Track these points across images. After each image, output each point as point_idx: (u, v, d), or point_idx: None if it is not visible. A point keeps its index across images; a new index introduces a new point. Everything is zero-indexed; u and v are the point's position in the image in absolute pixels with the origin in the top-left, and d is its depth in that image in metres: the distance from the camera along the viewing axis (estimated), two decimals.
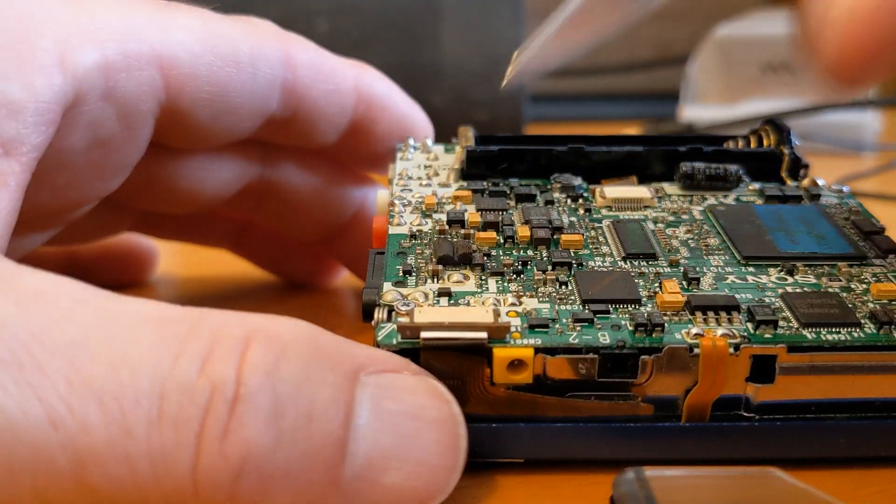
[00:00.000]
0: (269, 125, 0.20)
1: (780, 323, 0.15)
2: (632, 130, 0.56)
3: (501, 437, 0.15)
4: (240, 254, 0.27)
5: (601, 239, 0.19)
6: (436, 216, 0.19)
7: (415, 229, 0.19)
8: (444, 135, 0.23)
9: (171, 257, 0.31)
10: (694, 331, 0.15)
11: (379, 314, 0.15)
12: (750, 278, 0.17)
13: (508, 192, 0.21)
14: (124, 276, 0.27)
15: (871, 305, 0.16)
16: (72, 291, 0.13)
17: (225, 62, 0.18)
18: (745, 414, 0.15)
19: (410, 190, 0.20)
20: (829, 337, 0.15)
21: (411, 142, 0.22)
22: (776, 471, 0.14)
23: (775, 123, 0.23)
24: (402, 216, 0.19)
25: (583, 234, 0.18)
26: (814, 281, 0.17)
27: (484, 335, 0.14)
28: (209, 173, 0.22)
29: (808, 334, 0.15)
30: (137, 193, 0.21)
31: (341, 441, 0.12)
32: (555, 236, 0.18)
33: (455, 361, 0.15)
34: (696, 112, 0.56)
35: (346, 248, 0.25)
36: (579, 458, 0.16)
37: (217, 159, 0.22)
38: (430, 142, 0.23)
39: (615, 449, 0.15)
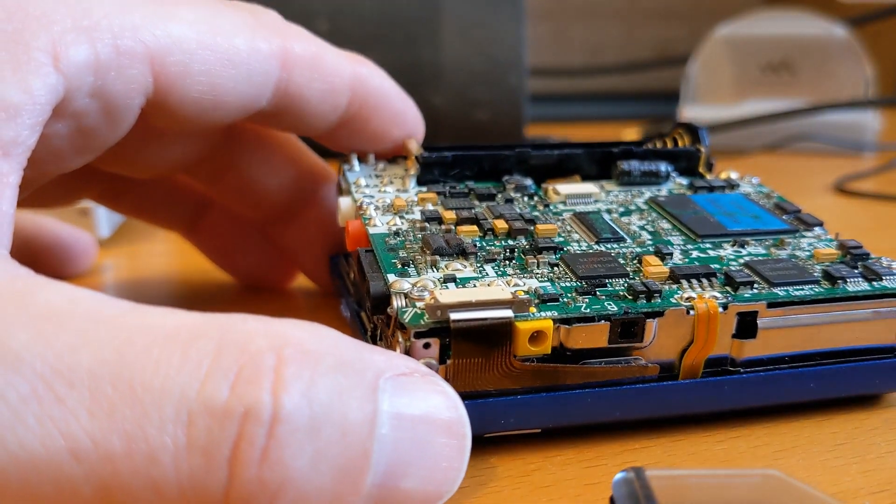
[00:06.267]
0: (255, 116, 0.20)
1: (755, 284, 0.17)
2: (632, 131, 0.56)
3: (523, 408, 0.16)
4: (192, 240, 0.26)
5: (569, 228, 0.20)
6: (409, 216, 0.20)
7: (394, 228, 0.19)
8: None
9: (166, 258, 0.31)
10: (686, 294, 0.17)
11: (398, 301, 0.16)
12: (710, 252, 0.19)
13: (468, 192, 0.21)
14: (63, 269, 0.27)
15: (818, 267, 0.18)
16: (88, 309, 0.12)
17: (221, 60, 0.18)
18: (731, 369, 0.17)
19: (372, 196, 0.21)
20: (797, 293, 0.17)
21: (353, 156, 0.23)
22: (777, 472, 0.13)
23: (688, 126, 0.25)
24: (376, 218, 0.19)
25: (556, 224, 0.20)
26: (763, 251, 0.19)
27: (510, 312, 0.15)
28: (175, 142, 0.21)
29: (780, 292, 0.17)
30: (101, 157, 0.20)
31: (367, 452, 0.12)
32: (530, 227, 0.19)
33: (479, 339, 0.15)
34: (696, 112, 0.56)
35: (295, 235, 0.25)
36: (592, 421, 0.17)
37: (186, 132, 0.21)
38: (371, 157, 0.23)
39: (625, 409, 0.17)
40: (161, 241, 0.33)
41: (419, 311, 0.15)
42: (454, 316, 0.15)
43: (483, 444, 0.17)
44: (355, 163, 0.22)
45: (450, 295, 0.15)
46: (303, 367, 0.12)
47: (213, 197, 0.26)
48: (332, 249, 0.24)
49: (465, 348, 0.15)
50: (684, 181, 0.23)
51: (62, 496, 0.11)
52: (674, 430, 0.17)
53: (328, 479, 0.12)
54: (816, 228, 0.21)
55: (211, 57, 0.18)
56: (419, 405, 0.13)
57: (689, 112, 0.57)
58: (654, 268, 0.17)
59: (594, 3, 0.80)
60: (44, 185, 0.20)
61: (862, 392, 0.18)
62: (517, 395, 0.16)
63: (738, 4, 0.73)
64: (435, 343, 0.15)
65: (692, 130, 0.25)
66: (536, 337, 0.15)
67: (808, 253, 0.19)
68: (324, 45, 0.20)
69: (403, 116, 0.22)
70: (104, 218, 0.31)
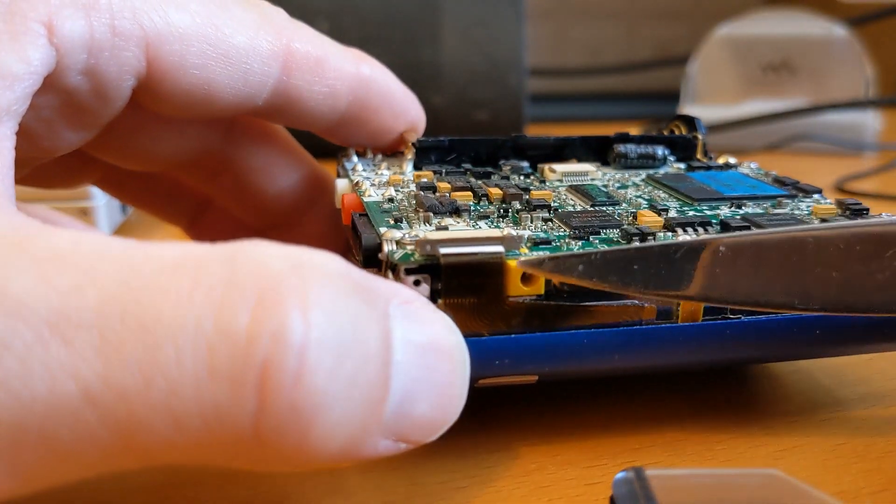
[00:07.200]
0: (250, 111, 0.20)
1: (751, 230, 0.17)
2: (632, 131, 0.56)
3: (517, 349, 0.16)
4: (193, 237, 0.26)
5: (564, 197, 0.20)
6: (404, 190, 0.20)
7: (388, 196, 0.19)
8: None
9: None
10: (681, 238, 0.17)
11: (388, 246, 0.16)
12: (707, 212, 0.19)
13: (465, 172, 0.22)
14: None
15: (817, 220, 0.18)
16: (90, 247, 0.12)
17: (218, 56, 0.18)
18: (731, 317, 0.17)
19: (369, 177, 0.21)
20: None
21: (352, 151, 0.23)
22: (778, 472, 0.13)
23: (685, 117, 0.25)
24: (371, 191, 0.19)
25: (550, 192, 0.19)
26: (761, 212, 0.19)
27: (500, 247, 0.15)
28: (168, 134, 0.21)
29: None
30: (95, 143, 0.20)
31: (387, 378, 0.12)
32: (524, 196, 0.19)
33: (470, 276, 0.15)
34: (697, 112, 0.56)
35: (296, 243, 0.24)
36: (590, 366, 0.16)
37: (178, 124, 0.21)
38: (369, 151, 0.23)
39: (625, 354, 0.16)
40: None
41: (409, 252, 0.15)
42: (444, 251, 0.15)
43: (482, 438, 0.17)
44: (353, 157, 0.23)
45: (439, 233, 0.15)
46: (326, 289, 0.12)
47: (212, 196, 0.25)
48: None
49: (456, 286, 0.15)
50: (681, 165, 0.24)
51: (80, 441, 0.11)
52: (674, 430, 0.17)
53: (356, 407, 0.12)
54: (815, 195, 0.20)
55: (208, 51, 0.17)
56: (425, 332, 0.13)
57: (690, 112, 0.56)
58: (649, 217, 0.17)
59: (594, 3, 0.80)
60: (45, 165, 0.20)
61: (871, 345, 0.17)
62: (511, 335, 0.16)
63: (738, 4, 0.73)
64: (425, 280, 0.15)
65: (689, 121, 0.25)
66: (529, 277, 0.15)
67: (807, 212, 0.19)
68: (328, 46, 0.20)
69: (405, 116, 0.22)
70: (104, 218, 0.31)
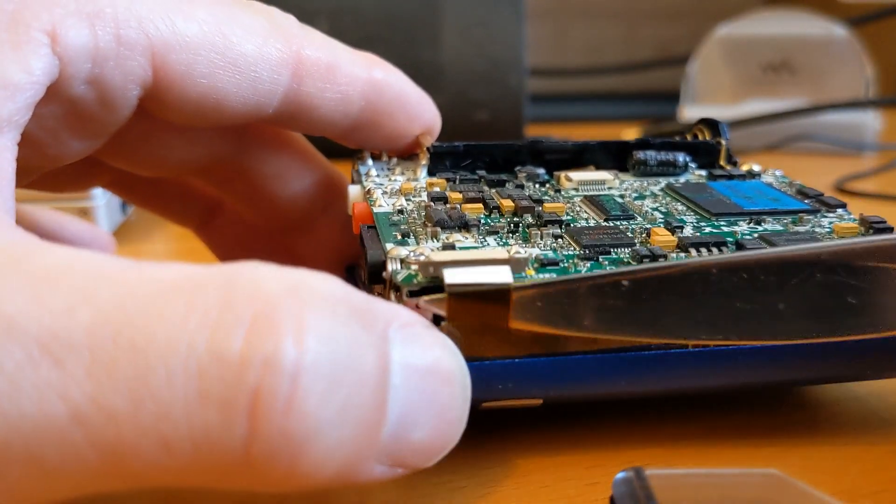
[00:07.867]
0: (262, 120, 0.20)
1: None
2: (632, 130, 0.56)
3: (521, 372, 0.15)
4: (204, 238, 0.26)
5: (578, 209, 0.20)
6: (416, 199, 0.20)
7: (398, 208, 0.19)
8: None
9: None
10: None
11: (393, 265, 0.15)
12: (724, 228, 0.18)
13: (479, 179, 0.21)
14: None
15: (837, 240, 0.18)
16: (86, 267, 0.12)
17: (226, 64, 0.17)
18: None
19: (381, 183, 0.21)
20: None
21: (367, 153, 0.23)
22: (778, 471, 0.13)
23: (708, 121, 0.24)
24: (381, 200, 0.19)
25: (564, 204, 0.19)
26: (781, 228, 0.18)
27: (506, 269, 0.15)
28: (178, 141, 0.21)
29: None
30: (105, 149, 0.20)
31: (384, 403, 0.12)
32: (536, 208, 0.19)
33: (476, 301, 0.15)
34: (697, 112, 0.56)
35: (310, 245, 0.24)
36: (597, 390, 0.16)
37: (189, 131, 0.21)
38: (384, 155, 0.23)
39: (631, 378, 0.16)
40: (162, 242, 0.33)
41: (413, 273, 0.15)
42: (449, 280, 0.15)
43: (482, 439, 0.17)
44: (368, 160, 0.23)
45: (443, 254, 0.15)
46: (322, 313, 0.12)
47: (223, 200, 0.25)
48: (348, 259, 0.24)
49: (460, 310, 0.15)
50: (703, 172, 0.23)
51: (68, 462, 0.11)
52: (674, 430, 0.17)
53: (350, 433, 0.12)
54: (839, 209, 0.20)
55: (216, 60, 0.17)
56: (425, 356, 0.13)
57: (690, 112, 0.57)
58: (662, 237, 0.17)
59: (594, 3, 0.80)
60: (54, 170, 0.19)
61: (891, 369, 0.17)
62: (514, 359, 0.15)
63: (738, 4, 0.73)
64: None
65: (712, 125, 0.24)
66: None
67: (828, 230, 0.18)
68: (338, 50, 0.20)
69: (419, 119, 0.22)
70: (104, 218, 0.31)
